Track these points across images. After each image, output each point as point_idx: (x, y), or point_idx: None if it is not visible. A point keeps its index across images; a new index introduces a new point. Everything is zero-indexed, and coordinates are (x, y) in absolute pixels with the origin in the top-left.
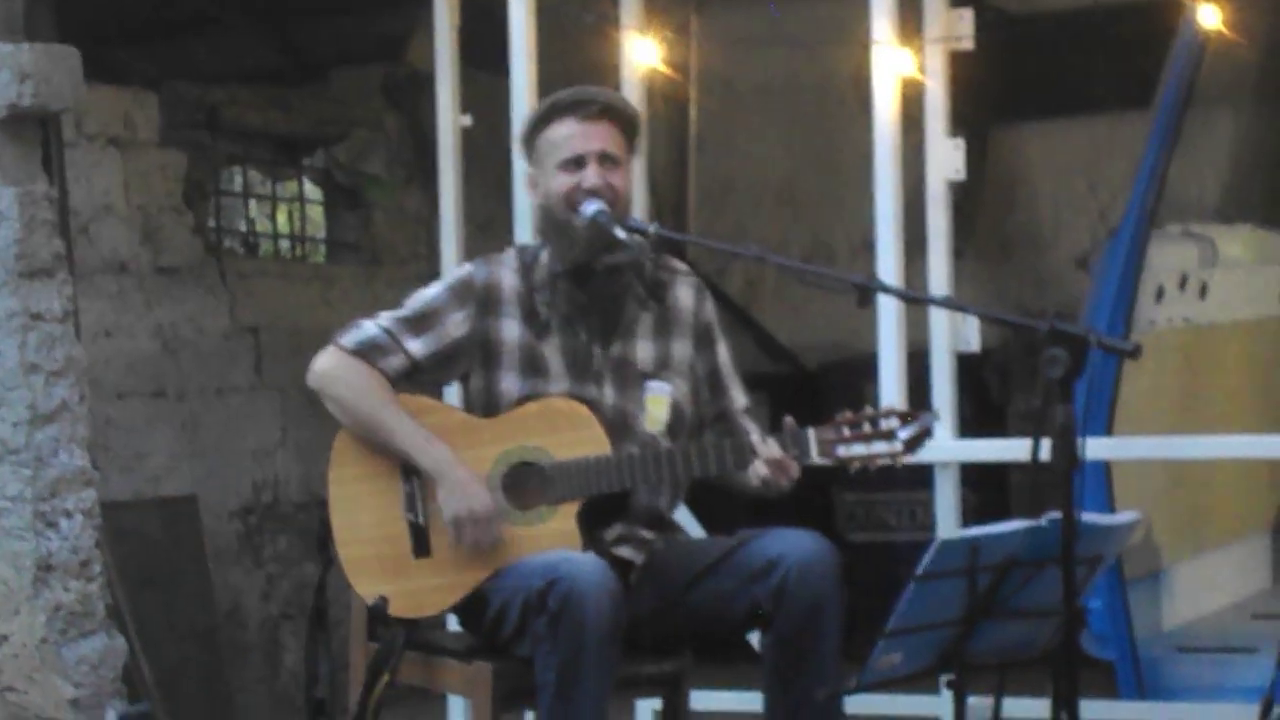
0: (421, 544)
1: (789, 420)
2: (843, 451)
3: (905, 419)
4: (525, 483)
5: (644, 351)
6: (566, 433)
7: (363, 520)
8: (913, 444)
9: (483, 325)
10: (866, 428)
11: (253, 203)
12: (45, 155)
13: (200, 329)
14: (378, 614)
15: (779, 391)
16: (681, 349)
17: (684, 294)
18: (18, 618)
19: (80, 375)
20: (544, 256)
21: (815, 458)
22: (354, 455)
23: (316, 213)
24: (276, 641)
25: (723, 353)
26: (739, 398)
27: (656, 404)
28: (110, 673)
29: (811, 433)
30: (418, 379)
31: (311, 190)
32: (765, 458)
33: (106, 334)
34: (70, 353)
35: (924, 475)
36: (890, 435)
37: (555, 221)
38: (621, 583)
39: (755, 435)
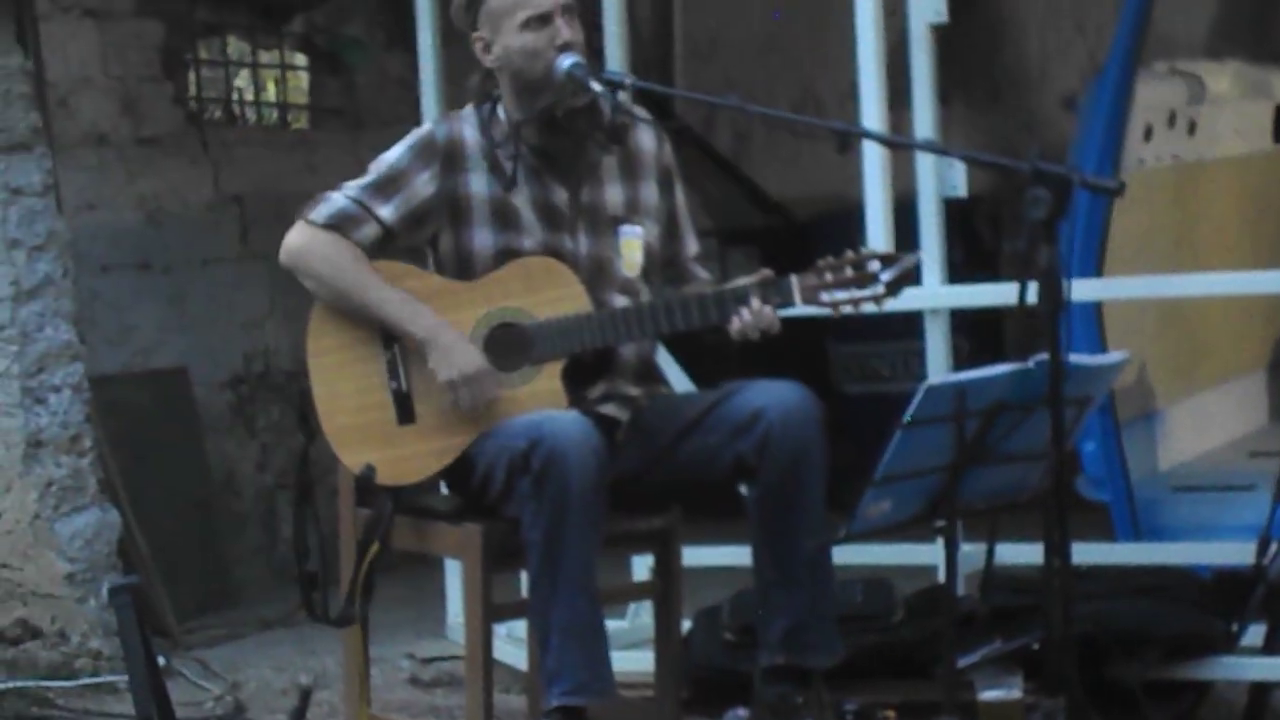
0: (406, 411)
1: (768, 271)
2: (826, 296)
3: (887, 260)
4: (507, 344)
5: (613, 195)
6: (546, 291)
7: (345, 390)
8: (896, 285)
9: (450, 182)
10: (849, 271)
11: (235, 71)
12: (19, 28)
13: (184, 200)
14: (365, 483)
15: (770, 245)
16: (648, 192)
17: (645, 138)
18: (9, 494)
19: (63, 249)
20: (500, 112)
21: (799, 304)
22: (332, 326)
23: (299, 79)
24: (273, 511)
25: (680, 198)
26: (692, 245)
27: (631, 247)
28: (105, 547)
29: (794, 279)
30: (391, 245)
31: (293, 56)
32: (751, 323)
33: (89, 207)
34: (52, 227)
35: (916, 325)
36: (873, 277)
37: (526, 81)
38: (607, 440)
39: (739, 288)
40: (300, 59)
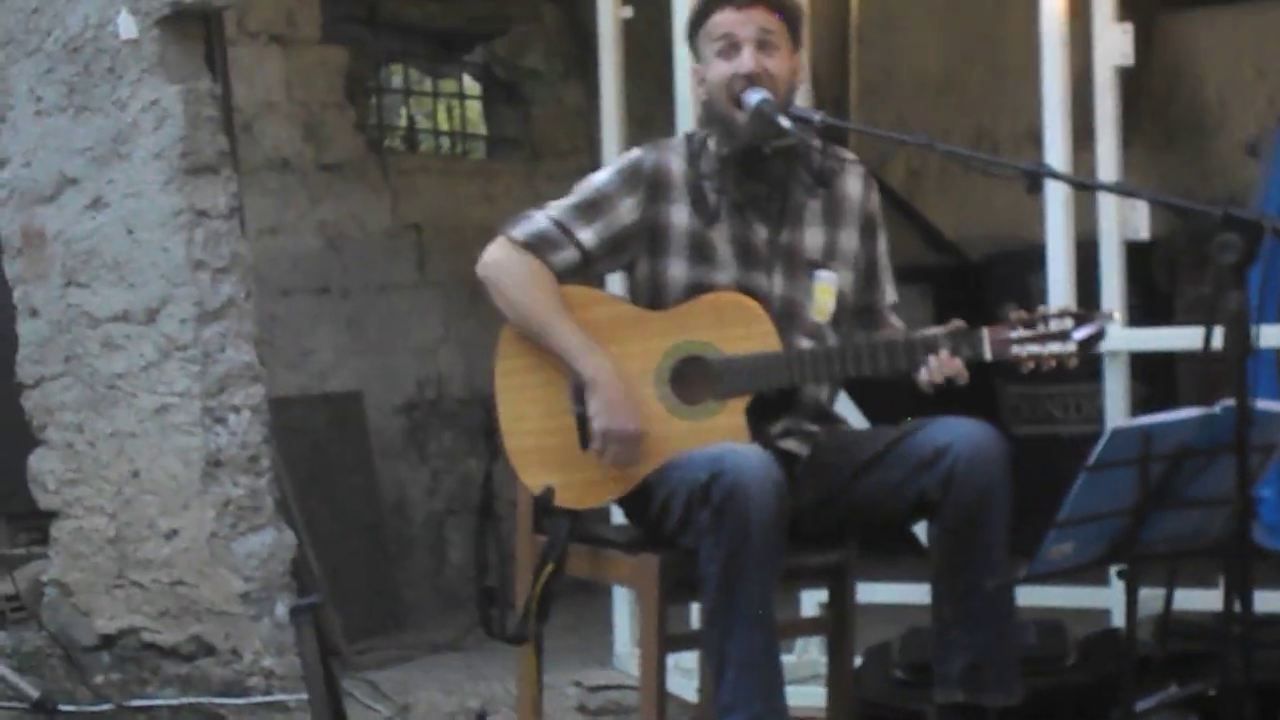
0: (588, 436)
1: (959, 322)
2: (1016, 351)
3: (1080, 319)
4: (693, 377)
5: (812, 240)
6: (736, 327)
7: (529, 411)
8: (1087, 345)
9: (652, 211)
10: (1040, 327)
11: (413, 99)
12: (208, 53)
13: (363, 226)
14: (543, 504)
15: (942, 284)
16: (848, 239)
17: (852, 184)
18: (187, 512)
19: (246, 272)
20: (711, 144)
21: (988, 357)
22: (521, 347)
23: (475, 109)
24: (442, 537)
25: (882, 245)
26: (890, 293)
27: (824, 293)
28: (279, 566)
29: (985, 332)
30: (588, 270)
31: (471, 86)
32: (938, 371)
33: (271, 231)
34: (236, 249)
35: (1089, 367)
36: (1064, 335)
37: (716, 113)
38: (786, 475)
39: (928, 337)
40: (477, 88)
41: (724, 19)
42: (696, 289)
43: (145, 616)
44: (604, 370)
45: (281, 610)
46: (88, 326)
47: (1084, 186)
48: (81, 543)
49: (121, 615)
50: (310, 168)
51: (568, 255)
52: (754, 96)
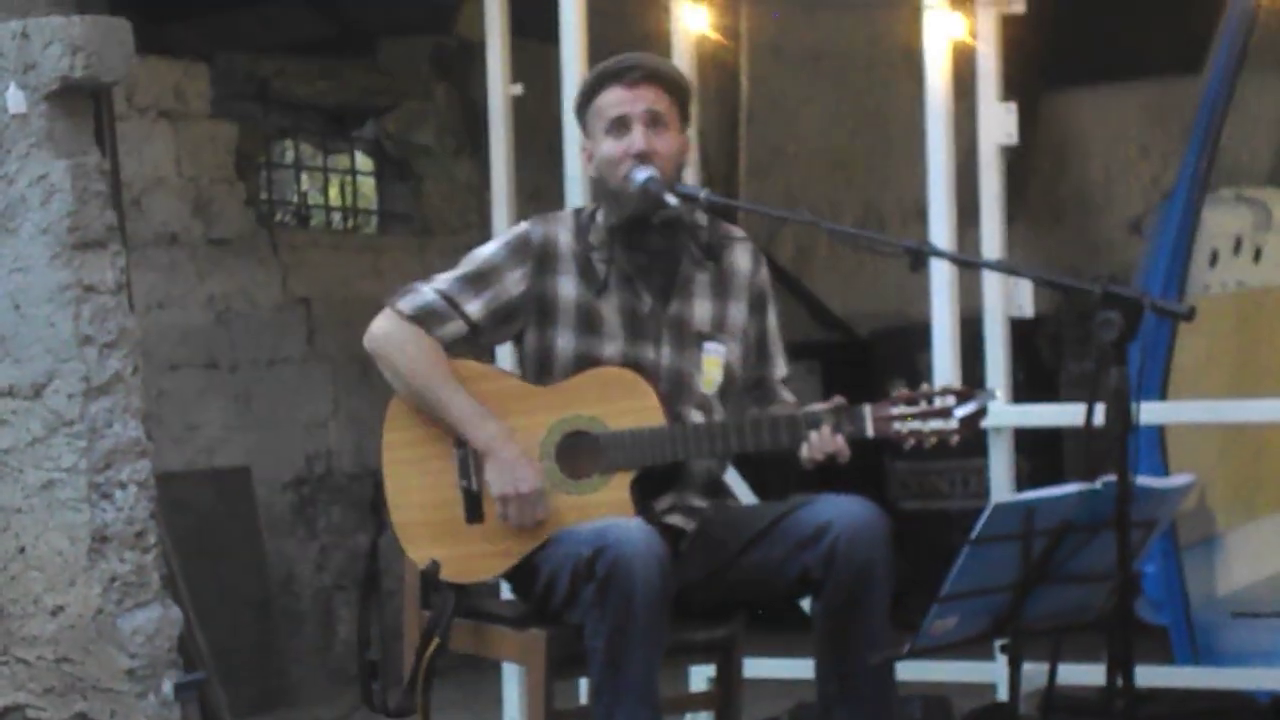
0: (474, 510)
1: (840, 399)
2: (898, 428)
3: (961, 397)
4: (579, 452)
5: (701, 311)
6: (621, 401)
7: (415, 485)
8: (969, 423)
9: (540, 283)
10: (922, 405)
11: (304, 175)
12: (97, 128)
13: (252, 300)
14: (429, 578)
15: (831, 360)
16: (737, 311)
17: (741, 258)
18: (73, 589)
19: (133, 347)
20: (599, 217)
21: (870, 434)
22: (408, 420)
23: (367, 185)
24: (330, 612)
25: (772, 320)
26: (781, 367)
27: (712, 365)
28: (166, 643)
29: (867, 409)
30: (475, 342)
31: (362, 161)
32: (819, 448)
33: (159, 306)
34: (123, 324)
35: (976, 442)
36: (946, 413)
37: (607, 189)
38: (672, 550)
39: (811, 413)
40: (369, 164)
41: (614, 97)
42: (584, 360)
43: (30, 694)
44: (496, 438)
45: (168, 687)
46: None
47: (966, 264)
48: None
49: (6, 693)
50: (199, 243)
51: (454, 328)
52: (640, 175)
